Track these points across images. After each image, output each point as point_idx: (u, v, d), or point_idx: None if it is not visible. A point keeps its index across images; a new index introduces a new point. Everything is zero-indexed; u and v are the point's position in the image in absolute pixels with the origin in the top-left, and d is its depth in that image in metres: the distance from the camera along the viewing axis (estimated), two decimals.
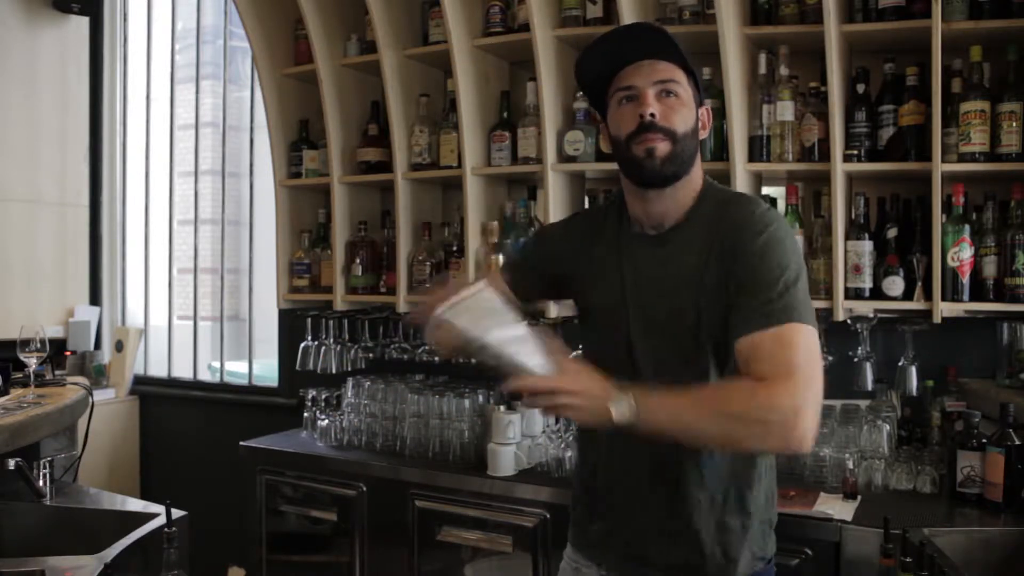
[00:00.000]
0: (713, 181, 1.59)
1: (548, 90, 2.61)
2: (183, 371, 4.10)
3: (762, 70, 2.49)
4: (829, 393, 2.53)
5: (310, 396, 3.07)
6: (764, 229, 1.43)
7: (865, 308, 2.40)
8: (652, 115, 1.45)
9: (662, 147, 1.46)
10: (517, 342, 1.36)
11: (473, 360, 1.46)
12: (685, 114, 1.48)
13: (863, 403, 2.46)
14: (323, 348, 3.14)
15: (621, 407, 1.31)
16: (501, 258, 2.74)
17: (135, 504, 2.29)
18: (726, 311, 1.42)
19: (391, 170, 2.95)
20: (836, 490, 2.19)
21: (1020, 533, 1.91)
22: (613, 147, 1.54)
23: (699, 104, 1.54)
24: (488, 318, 1.36)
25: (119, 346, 4.06)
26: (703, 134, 1.56)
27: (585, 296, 1.64)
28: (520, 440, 2.54)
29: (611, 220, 1.63)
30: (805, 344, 1.35)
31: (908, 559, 1.57)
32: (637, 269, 1.55)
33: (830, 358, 2.50)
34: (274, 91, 3.19)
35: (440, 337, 1.43)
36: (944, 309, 2.26)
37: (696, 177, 1.55)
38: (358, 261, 3.04)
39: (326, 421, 2.93)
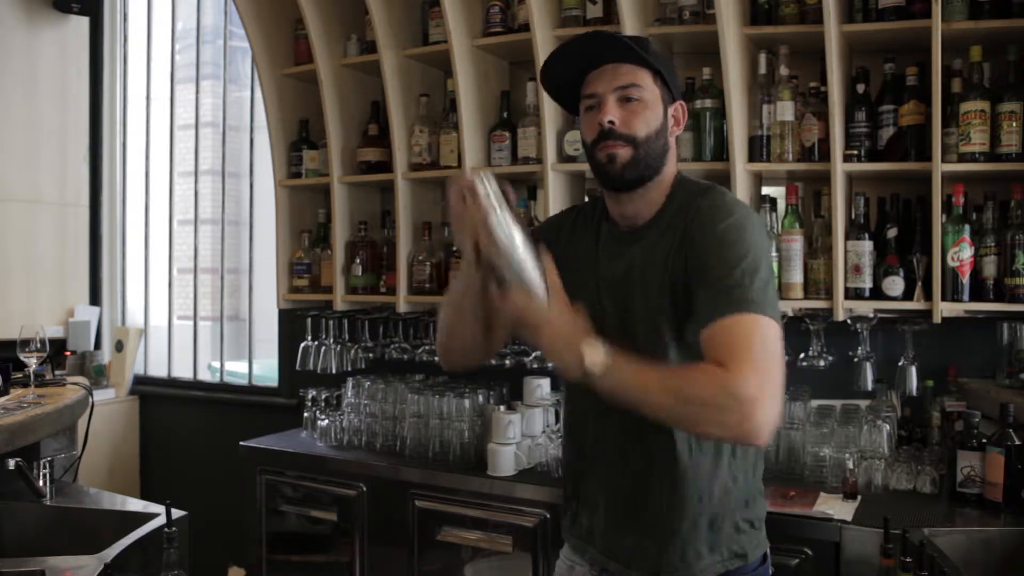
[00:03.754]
0: (686, 176, 1.59)
1: None
2: (183, 371, 4.10)
3: (762, 70, 2.49)
4: (829, 393, 2.56)
5: (310, 396, 3.07)
6: (726, 217, 1.44)
7: (865, 308, 2.40)
8: (611, 122, 1.48)
9: (623, 153, 1.49)
10: (527, 252, 1.39)
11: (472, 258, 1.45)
12: (648, 117, 1.50)
13: (863, 403, 2.46)
14: (323, 348, 3.14)
15: (594, 355, 1.35)
16: None
17: (135, 504, 2.29)
18: (691, 302, 1.44)
19: (391, 170, 2.95)
20: (836, 490, 2.19)
21: (1020, 533, 1.91)
22: (584, 151, 1.58)
23: (672, 101, 1.55)
24: (511, 214, 1.38)
25: (119, 346, 4.06)
26: (676, 131, 1.57)
27: (568, 292, 1.65)
28: (520, 440, 2.54)
29: (593, 218, 1.66)
30: (762, 335, 1.35)
31: (908, 559, 1.57)
32: (612, 266, 1.57)
33: (830, 358, 2.51)
34: (274, 91, 3.19)
35: (465, 213, 1.39)
36: (944, 309, 2.27)
37: (668, 175, 1.56)
38: (358, 261, 3.04)
39: (326, 421, 2.93)
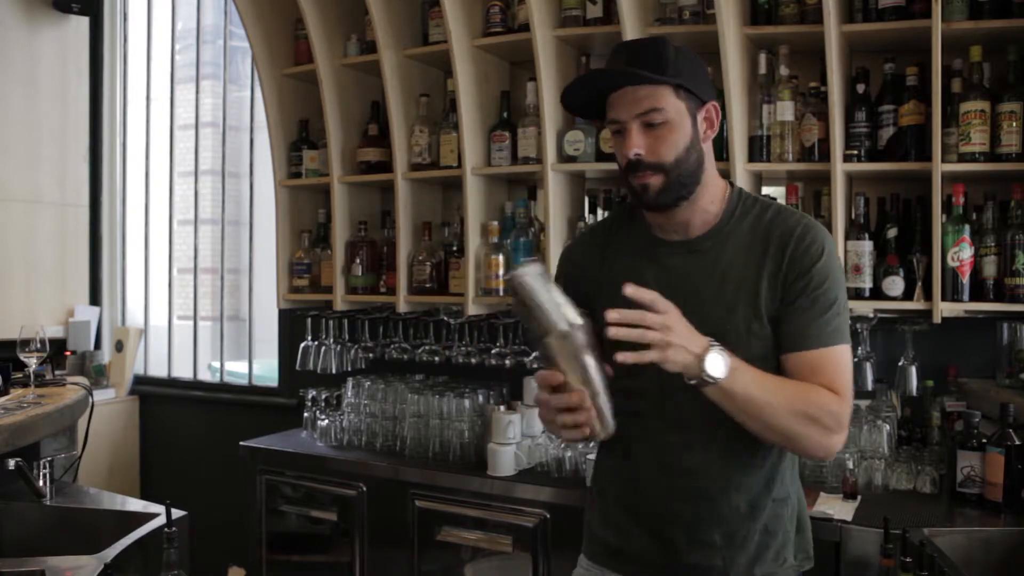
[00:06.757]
0: (740, 187, 1.57)
1: (548, 90, 2.61)
2: (183, 371, 4.10)
3: (762, 70, 2.49)
4: None
5: (310, 396, 3.07)
6: (824, 247, 1.47)
7: (865, 308, 2.40)
8: (638, 154, 1.44)
9: (654, 182, 1.45)
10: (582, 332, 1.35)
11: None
12: (675, 139, 1.44)
13: (863, 403, 2.46)
14: (323, 348, 3.14)
15: (716, 360, 1.31)
16: (501, 257, 2.74)
17: (135, 504, 2.29)
18: (776, 321, 1.45)
19: (391, 170, 2.95)
20: (836, 490, 2.19)
21: (1020, 533, 1.91)
22: (619, 169, 1.52)
23: (701, 105, 1.48)
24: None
25: (119, 346, 4.06)
26: (711, 135, 1.50)
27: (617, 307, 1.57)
28: (520, 440, 2.54)
29: (625, 227, 1.60)
30: (849, 364, 1.47)
31: (908, 559, 1.58)
32: (668, 277, 1.49)
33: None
34: (274, 91, 3.19)
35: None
36: (944, 309, 2.26)
37: (713, 181, 1.51)
38: (358, 261, 3.04)
39: (326, 421, 2.93)
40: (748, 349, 1.44)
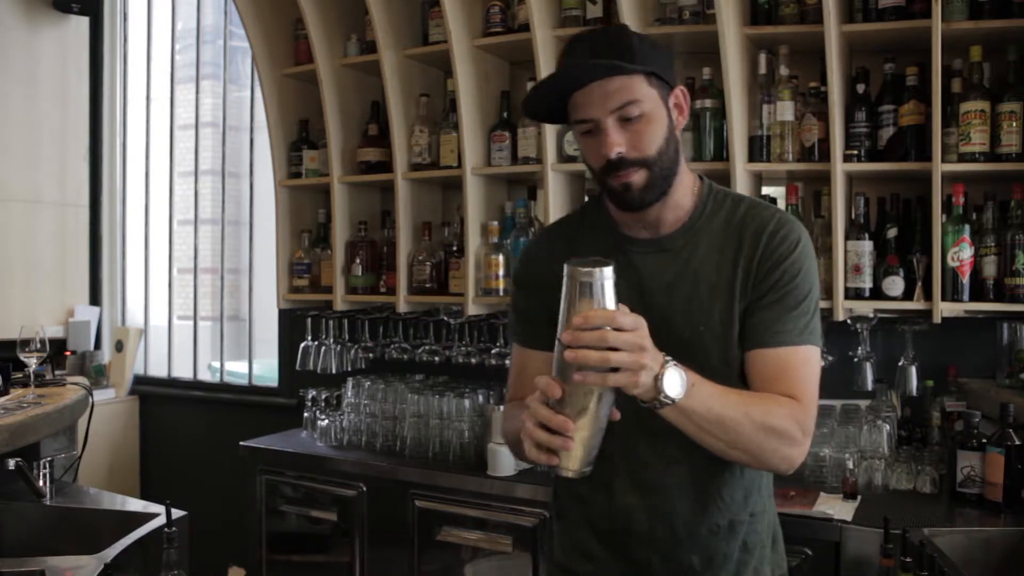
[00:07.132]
0: (710, 181, 1.49)
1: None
2: (183, 371, 4.10)
3: (762, 70, 2.49)
4: (829, 393, 2.55)
5: (310, 396, 3.07)
6: (798, 241, 1.39)
7: (865, 308, 2.40)
8: (619, 153, 1.32)
9: (638, 178, 1.34)
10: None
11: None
12: (655, 129, 1.34)
13: (863, 403, 2.46)
14: (323, 348, 3.14)
15: (673, 377, 1.18)
16: (501, 257, 2.74)
17: (135, 504, 2.29)
18: (746, 315, 1.37)
19: (391, 170, 2.95)
20: (836, 490, 2.19)
21: (1020, 533, 1.91)
22: (589, 171, 1.42)
23: (669, 91, 1.37)
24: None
25: (119, 346, 4.06)
26: (682, 121, 1.40)
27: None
28: None
29: (591, 225, 1.51)
30: (817, 370, 1.39)
31: (908, 559, 1.57)
32: (640, 276, 1.42)
33: (830, 358, 2.50)
34: (274, 91, 3.19)
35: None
36: (944, 309, 2.26)
37: (685, 174, 1.43)
38: (358, 261, 3.04)
39: (326, 421, 2.93)
40: (726, 353, 1.38)
